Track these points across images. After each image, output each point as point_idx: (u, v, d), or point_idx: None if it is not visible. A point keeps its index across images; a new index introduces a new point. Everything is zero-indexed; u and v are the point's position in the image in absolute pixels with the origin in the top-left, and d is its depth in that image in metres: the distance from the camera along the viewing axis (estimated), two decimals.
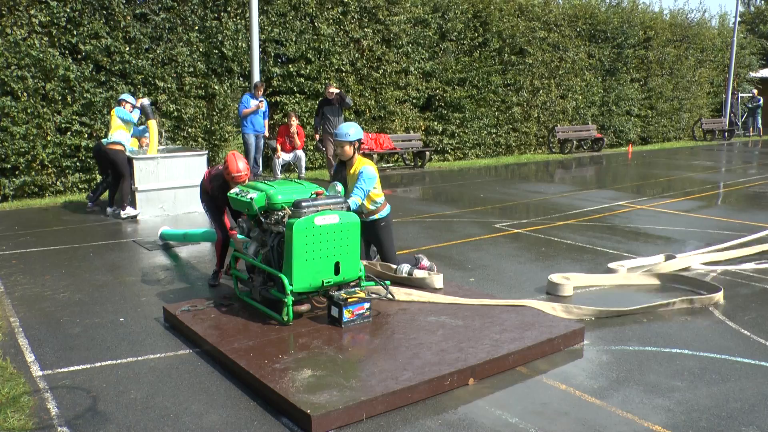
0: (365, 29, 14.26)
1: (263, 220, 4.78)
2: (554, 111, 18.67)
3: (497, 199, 10.54)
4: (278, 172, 11.98)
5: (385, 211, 5.61)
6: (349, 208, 4.89)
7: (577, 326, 4.54)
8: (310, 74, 13.50)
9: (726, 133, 24.52)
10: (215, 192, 5.57)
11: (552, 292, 5.57)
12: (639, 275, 5.98)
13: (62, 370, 4.07)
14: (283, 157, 12.00)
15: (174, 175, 9.13)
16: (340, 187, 5.05)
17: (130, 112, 9.01)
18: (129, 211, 8.85)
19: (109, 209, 9.12)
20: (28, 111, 10.25)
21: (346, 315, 4.50)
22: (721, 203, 10.35)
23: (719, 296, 5.37)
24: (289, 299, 4.46)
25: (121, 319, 4.97)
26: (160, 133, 11.49)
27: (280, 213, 4.68)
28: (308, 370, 3.81)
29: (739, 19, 25.01)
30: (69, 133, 10.73)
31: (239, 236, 5.15)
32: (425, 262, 5.84)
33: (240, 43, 12.40)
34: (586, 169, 15.25)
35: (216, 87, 12.25)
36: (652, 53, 21.11)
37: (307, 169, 13.25)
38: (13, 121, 10.12)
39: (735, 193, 11.44)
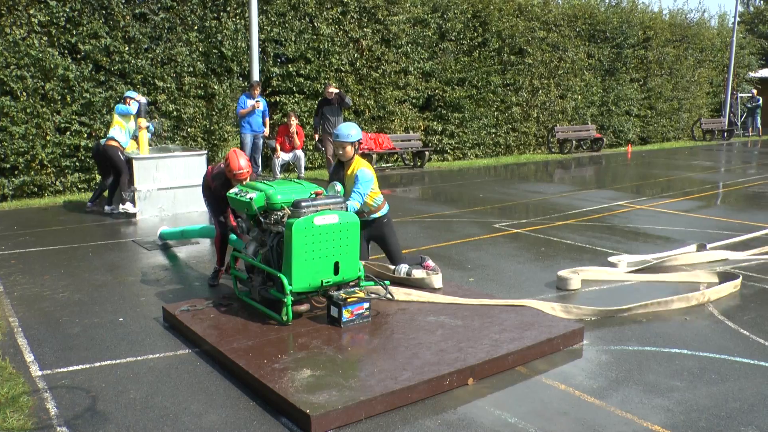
0: (365, 29, 14.26)
1: (262, 219, 4.78)
2: (554, 111, 18.67)
3: (497, 199, 10.54)
4: (278, 172, 11.98)
5: (386, 208, 5.62)
6: (347, 210, 4.89)
7: (576, 326, 4.54)
8: (309, 74, 13.49)
9: (725, 133, 24.53)
10: (217, 190, 5.55)
11: (562, 287, 5.71)
12: (646, 273, 6.06)
13: (61, 370, 4.07)
14: (283, 156, 11.99)
15: (173, 175, 9.13)
16: (339, 187, 5.05)
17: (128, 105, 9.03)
18: (128, 206, 8.84)
19: (107, 207, 9.12)
20: (28, 111, 10.25)
21: (346, 315, 4.50)
22: (720, 203, 10.36)
23: (737, 283, 5.53)
24: (289, 299, 4.45)
25: (121, 319, 4.97)
26: (160, 133, 11.50)
27: (279, 213, 4.68)
28: (307, 370, 3.81)
29: (738, 19, 25.02)
30: (68, 132, 10.73)
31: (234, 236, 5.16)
32: (430, 262, 5.84)
33: (239, 43, 12.40)
34: (585, 169, 15.26)
35: (215, 87, 12.25)
36: (651, 53, 21.11)
37: (306, 168, 13.25)
38: (12, 120, 10.12)
39: (734, 193, 11.44)
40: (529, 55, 17.59)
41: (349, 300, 4.53)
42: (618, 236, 7.81)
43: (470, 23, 16.28)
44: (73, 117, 10.72)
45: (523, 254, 6.96)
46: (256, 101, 11.32)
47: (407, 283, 5.40)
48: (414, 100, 15.58)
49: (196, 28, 11.96)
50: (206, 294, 5.53)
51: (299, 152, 12.06)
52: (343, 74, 14.09)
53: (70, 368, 4.09)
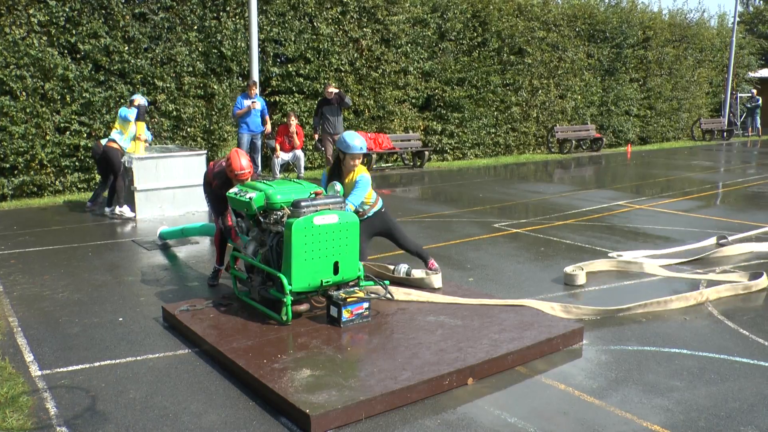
0: (364, 29, 14.26)
1: (262, 219, 4.78)
2: (553, 111, 18.67)
3: (496, 199, 10.54)
4: (277, 172, 11.98)
5: (380, 202, 5.68)
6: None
7: (576, 326, 4.54)
8: (309, 74, 13.50)
9: (725, 133, 24.53)
10: (218, 188, 5.53)
11: (570, 283, 5.82)
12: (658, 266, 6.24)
13: (61, 369, 4.07)
14: (282, 156, 11.99)
15: (173, 175, 9.13)
16: (339, 186, 5.05)
17: (129, 108, 9.02)
18: (125, 210, 8.84)
19: (107, 209, 9.12)
20: (27, 110, 10.25)
21: (345, 315, 4.50)
22: (720, 203, 10.36)
23: (763, 281, 5.62)
24: (288, 299, 4.45)
25: (120, 319, 4.97)
26: (159, 134, 11.50)
27: (279, 213, 4.68)
28: (307, 369, 3.81)
29: (737, 19, 25.02)
30: (68, 132, 10.73)
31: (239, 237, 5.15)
32: (434, 262, 5.85)
33: (239, 43, 12.40)
34: (585, 169, 15.26)
35: (215, 86, 12.25)
36: (651, 53, 21.12)
37: (306, 168, 13.24)
38: (12, 120, 10.12)
39: (734, 193, 11.45)
40: (529, 55, 17.60)
41: (348, 300, 4.53)
42: (618, 236, 7.81)
43: (470, 23, 16.28)
44: (73, 117, 10.72)
45: (523, 254, 6.96)
46: (253, 102, 11.27)
47: (407, 282, 5.40)
48: (414, 100, 15.58)
49: (195, 27, 11.96)
50: (206, 294, 5.53)
51: (299, 152, 12.05)
52: (342, 74, 14.09)
53: (70, 368, 4.09)
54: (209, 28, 12.08)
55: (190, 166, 9.28)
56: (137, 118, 9.00)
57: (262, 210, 4.81)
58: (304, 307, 4.74)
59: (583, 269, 5.97)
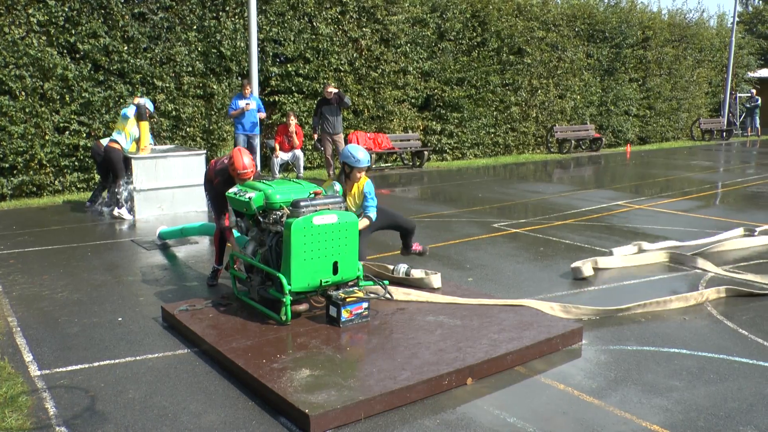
0: (364, 29, 14.26)
1: (261, 219, 4.78)
2: (552, 111, 18.68)
3: (495, 199, 10.54)
4: (276, 172, 11.98)
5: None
6: (347, 209, 4.91)
7: (575, 326, 4.54)
8: (308, 74, 13.49)
9: (724, 133, 24.55)
10: (219, 186, 5.49)
11: (578, 276, 6.01)
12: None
13: (60, 369, 4.07)
14: (282, 156, 11.99)
15: (172, 175, 9.13)
16: (338, 186, 5.06)
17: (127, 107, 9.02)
18: (123, 212, 8.83)
19: (105, 209, 9.11)
20: (26, 110, 10.24)
21: (345, 315, 4.50)
22: (719, 203, 10.37)
23: None
24: (288, 299, 4.45)
25: (120, 319, 4.97)
26: (158, 133, 11.49)
27: (278, 212, 4.68)
28: (306, 369, 3.81)
29: (737, 19, 25.03)
30: (67, 132, 10.72)
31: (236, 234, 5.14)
32: (418, 244, 5.96)
33: (238, 43, 12.40)
34: (584, 169, 15.27)
35: (214, 86, 12.24)
36: (650, 53, 21.13)
37: (305, 168, 13.24)
38: (11, 120, 10.11)
39: (733, 193, 11.45)
40: (528, 55, 17.60)
41: (348, 300, 4.53)
42: (617, 236, 7.81)
43: (469, 23, 16.28)
44: (72, 116, 10.71)
45: (522, 254, 6.96)
46: (246, 104, 11.21)
47: (406, 282, 5.40)
48: (413, 100, 15.58)
49: (195, 27, 11.96)
50: (205, 294, 5.52)
51: (298, 152, 12.05)
52: (342, 74, 14.09)
53: (69, 368, 4.09)
54: (208, 28, 12.08)
55: (190, 166, 9.28)
56: (140, 118, 8.95)
57: (261, 210, 4.81)
58: (303, 307, 4.74)
59: (589, 263, 6.17)
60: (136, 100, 9.05)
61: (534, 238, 7.70)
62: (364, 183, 5.48)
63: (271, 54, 13.09)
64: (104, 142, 9.18)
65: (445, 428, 3.36)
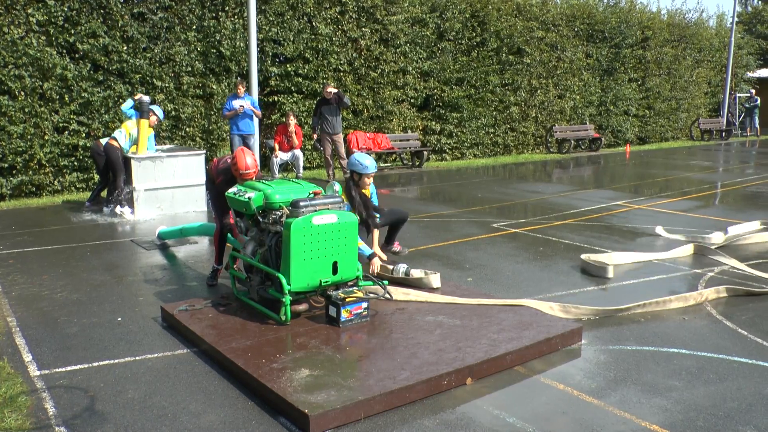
0: (363, 29, 14.26)
1: (261, 219, 4.78)
2: (552, 111, 18.68)
3: (495, 199, 10.54)
4: (276, 172, 11.98)
5: None
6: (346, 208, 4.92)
7: (574, 326, 4.54)
8: (307, 74, 13.49)
9: (723, 133, 24.55)
10: (221, 186, 5.49)
11: (600, 275, 6.13)
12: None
13: (60, 369, 4.07)
14: (281, 156, 11.99)
15: (172, 175, 9.12)
16: (337, 186, 5.06)
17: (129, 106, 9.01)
18: (125, 210, 8.83)
19: (105, 208, 9.11)
20: (26, 110, 10.24)
21: (344, 315, 4.50)
22: (718, 203, 10.37)
23: None
24: (287, 299, 4.45)
25: (119, 319, 4.97)
26: (158, 133, 11.47)
27: (278, 212, 4.68)
28: (306, 369, 3.81)
29: (736, 19, 25.04)
30: (66, 132, 10.72)
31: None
32: (397, 245, 6.08)
33: (238, 43, 12.40)
34: (583, 169, 15.27)
35: (214, 86, 12.24)
36: (649, 53, 21.13)
37: (304, 168, 13.24)
38: (10, 120, 10.11)
39: (732, 192, 11.46)
40: (528, 55, 17.60)
41: (347, 300, 4.53)
42: (616, 236, 7.82)
43: (469, 23, 16.29)
44: (72, 116, 10.71)
45: (522, 254, 6.96)
46: (240, 106, 11.17)
47: (405, 282, 5.40)
48: (412, 100, 15.58)
49: (194, 27, 11.96)
50: (205, 294, 5.52)
51: (298, 152, 12.05)
52: (341, 74, 14.09)
53: (69, 368, 4.09)
54: (208, 28, 12.08)
55: (189, 166, 9.27)
56: (140, 116, 8.92)
57: (260, 210, 4.81)
58: (302, 307, 4.74)
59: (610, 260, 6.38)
60: (137, 97, 9.02)
61: (533, 238, 7.70)
62: (369, 189, 5.69)
63: (270, 54, 13.08)
64: (104, 141, 9.18)
65: (444, 428, 3.36)
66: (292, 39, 13.19)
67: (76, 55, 10.77)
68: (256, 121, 11.54)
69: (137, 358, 4.25)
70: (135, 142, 9.06)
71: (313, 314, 4.75)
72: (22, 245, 7.29)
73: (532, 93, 18.05)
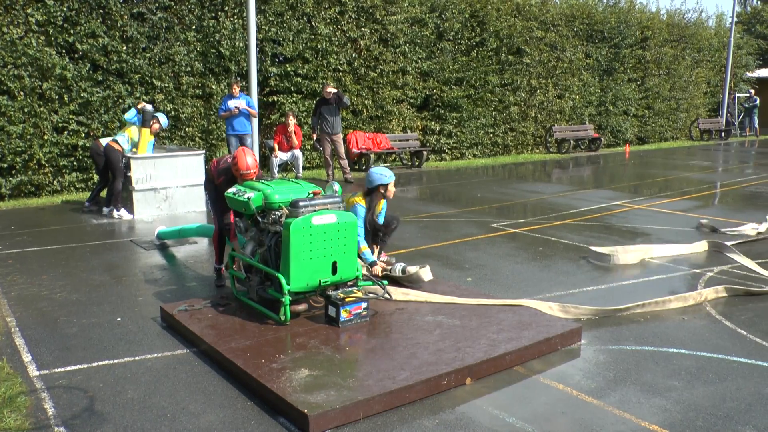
0: (362, 29, 14.26)
1: (260, 219, 4.78)
2: (551, 111, 18.68)
3: (494, 199, 10.55)
4: (275, 172, 11.97)
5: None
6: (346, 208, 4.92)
7: (574, 326, 4.54)
8: (307, 74, 13.49)
9: (723, 133, 24.56)
10: (221, 186, 5.47)
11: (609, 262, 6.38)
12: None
13: (59, 370, 4.07)
14: (281, 156, 11.98)
15: (171, 175, 9.12)
16: (337, 186, 5.06)
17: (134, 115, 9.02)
18: (123, 212, 8.83)
19: (105, 209, 9.11)
20: (25, 110, 10.23)
21: (344, 315, 4.50)
22: (718, 203, 10.38)
23: None
24: (287, 299, 4.45)
25: (119, 319, 4.97)
26: (158, 134, 11.46)
27: (277, 212, 4.68)
28: (305, 369, 3.81)
29: (735, 19, 25.05)
30: (66, 132, 10.71)
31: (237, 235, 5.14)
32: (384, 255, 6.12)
33: (237, 43, 12.39)
34: (583, 169, 15.27)
35: (213, 86, 12.23)
36: (649, 53, 21.14)
37: (304, 168, 13.24)
38: (9, 120, 10.10)
39: (732, 192, 11.46)
40: (527, 55, 17.60)
41: (347, 300, 4.53)
42: (616, 236, 7.82)
43: (468, 23, 16.29)
44: (71, 116, 10.70)
45: (521, 254, 6.96)
46: (235, 107, 11.15)
47: (403, 281, 5.40)
48: (412, 100, 15.58)
49: (193, 27, 11.95)
50: (204, 294, 5.52)
51: (297, 152, 12.05)
52: (341, 74, 14.09)
53: (68, 368, 4.09)
54: (207, 28, 12.08)
55: (188, 166, 9.27)
56: (142, 124, 8.94)
57: (260, 210, 4.81)
58: (302, 307, 4.75)
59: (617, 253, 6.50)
60: (140, 105, 9.04)
61: (533, 238, 7.70)
62: (383, 202, 5.77)
63: (269, 54, 13.08)
64: (103, 141, 9.17)
65: (444, 428, 3.36)
66: (291, 39, 13.19)
67: (76, 55, 10.77)
68: (254, 120, 11.54)
69: (137, 358, 4.25)
70: (135, 145, 9.08)
71: (312, 314, 4.75)
72: (22, 245, 7.29)
73: (532, 93, 18.06)
